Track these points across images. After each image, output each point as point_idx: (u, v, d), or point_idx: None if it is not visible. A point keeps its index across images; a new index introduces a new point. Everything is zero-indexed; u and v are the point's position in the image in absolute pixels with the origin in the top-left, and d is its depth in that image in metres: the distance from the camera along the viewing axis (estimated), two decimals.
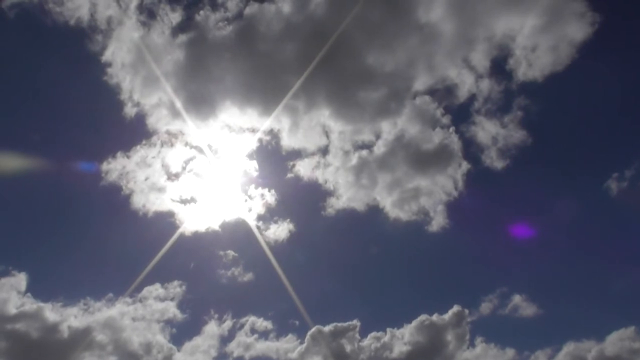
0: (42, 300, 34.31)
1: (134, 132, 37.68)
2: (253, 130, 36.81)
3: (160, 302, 36.47)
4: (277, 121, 36.78)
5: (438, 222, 38.73)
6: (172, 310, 36.50)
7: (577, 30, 35.10)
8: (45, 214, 40.19)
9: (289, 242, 37.64)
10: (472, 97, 38.58)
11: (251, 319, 37.33)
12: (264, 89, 35.64)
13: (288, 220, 37.89)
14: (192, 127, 36.47)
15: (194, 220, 37.00)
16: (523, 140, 38.57)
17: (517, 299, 37.76)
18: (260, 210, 37.64)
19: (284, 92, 34.67)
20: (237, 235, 38.29)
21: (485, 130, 38.82)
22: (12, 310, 33.49)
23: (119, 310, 35.43)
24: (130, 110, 36.29)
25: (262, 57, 35.30)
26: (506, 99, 38.96)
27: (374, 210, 38.98)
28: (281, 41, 35.05)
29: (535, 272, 40.79)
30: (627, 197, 37.94)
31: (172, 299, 36.77)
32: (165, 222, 36.87)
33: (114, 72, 35.75)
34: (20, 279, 34.58)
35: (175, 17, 35.63)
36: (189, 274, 38.53)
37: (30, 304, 34.01)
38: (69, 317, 34.40)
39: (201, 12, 35.55)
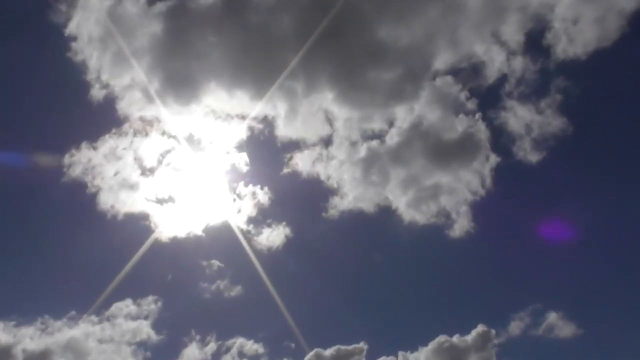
0: None
1: (102, 119, 36.73)
2: (243, 117, 36.11)
3: (131, 320, 35.64)
4: (271, 106, 36.01)
5: (461, 225, 37.29)
6: (145, 330, 35.51)
7: None
8: None
9: (284, 249, 36.71)
10: (503, 78, 37.32)
11: (239, 341, 35.97)
12: (256, 68, 34.90)
13: (284, 223, 36.82)
14: (170, 114, 35.76)
15: (172, 224, 36.41)
16: (562, 128, 37.20)
17: (552, 317, 36.32)
18: (251, 212, 36.70)
19: (280, 72, 34.15)
20: (223, 241, 37.24)
21: (518, 116, 37.50)
22: None
23: (83, 331, 34.75)
24: (97, 93, 35.29)
25: (254, 31, 34.39)
26: (543, 80, 37.52)
27: (385, 212, 37.64)
28: (276, 11, 34.36)
29: (574, 285, 38.99)
30: None
31: (145, 317, 35.84)
32: (138, 225, 35.98)
33: (79, 47, 34.90)
34: None
35: None
36: (165, 287, 37.34)
37: None
38: (24, 339, 33.65)
39: None
